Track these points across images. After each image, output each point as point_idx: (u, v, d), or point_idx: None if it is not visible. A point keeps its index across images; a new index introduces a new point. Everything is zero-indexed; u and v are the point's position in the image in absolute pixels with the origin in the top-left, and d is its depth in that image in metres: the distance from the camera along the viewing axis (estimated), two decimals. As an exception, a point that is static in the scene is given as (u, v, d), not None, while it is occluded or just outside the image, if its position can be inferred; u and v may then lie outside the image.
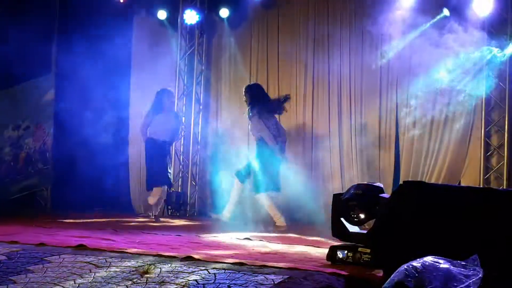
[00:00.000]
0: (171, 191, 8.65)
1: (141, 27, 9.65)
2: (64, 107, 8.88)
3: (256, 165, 7.26)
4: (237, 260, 4.10)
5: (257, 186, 7.25)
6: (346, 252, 4.21)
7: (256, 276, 3.61)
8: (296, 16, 8.75)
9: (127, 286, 3.54)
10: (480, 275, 2.94)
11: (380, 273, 3.76)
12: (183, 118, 8.98)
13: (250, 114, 7.37)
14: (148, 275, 3.71)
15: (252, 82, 8.25)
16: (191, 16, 8.98)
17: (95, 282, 3.64)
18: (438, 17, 7.62)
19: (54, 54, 8.97)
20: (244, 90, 7.61)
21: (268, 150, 7.21)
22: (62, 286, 3.60)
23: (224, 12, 8.94)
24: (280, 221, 7.23)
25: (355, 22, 8.25)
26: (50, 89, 9.04)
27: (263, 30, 8.99)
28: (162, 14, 9.22)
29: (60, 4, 9.08)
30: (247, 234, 6.20)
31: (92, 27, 8.62)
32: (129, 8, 9.47)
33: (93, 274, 3.80)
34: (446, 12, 7.51)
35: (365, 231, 4.29)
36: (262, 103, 7.35)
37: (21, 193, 9.13)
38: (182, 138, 9.19)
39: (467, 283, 2.87)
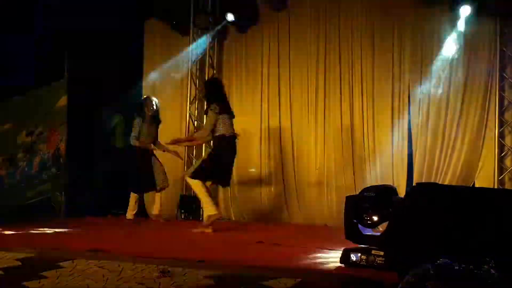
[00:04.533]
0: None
1: (152, 32, 9.69)
2: (77, 112, 8.93)
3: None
4: (249, 263, 4.09)
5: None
6: (359, 254, 4.17)
7: (268, 279, 3.60)
8: (307, 19, 8.74)
9: (140, 290, 3.54)
10: (494, 277, 2.92)
11: (394, 275, 3.74)
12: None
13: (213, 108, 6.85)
14: (161, 279, 3.71)
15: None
16: (202, 21, 8.97)
17: (109, 286, 3.65)
18: (450, 13, 7.57)
19: (67, 59, 9.03)
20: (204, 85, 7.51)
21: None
22: (75, 290, 3.61)
23: (235, 16, 8.93)
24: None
25: (366, 23, 8.23)
26: (63, 94, 9.10)
27: (274, 33, 8.98)
28: (173, 19, 9.21)
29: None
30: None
31: (104, 32, 8.67)
32: (140, 13, 9.50)
33: (106, 278, 3.81)
34: (463, 9, 7.39)
35: (378, 234, 4.26)
36: (222, 100, 6.99)
37: (35, 198, 9.18)
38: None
39: (481, 285, 2.85)
